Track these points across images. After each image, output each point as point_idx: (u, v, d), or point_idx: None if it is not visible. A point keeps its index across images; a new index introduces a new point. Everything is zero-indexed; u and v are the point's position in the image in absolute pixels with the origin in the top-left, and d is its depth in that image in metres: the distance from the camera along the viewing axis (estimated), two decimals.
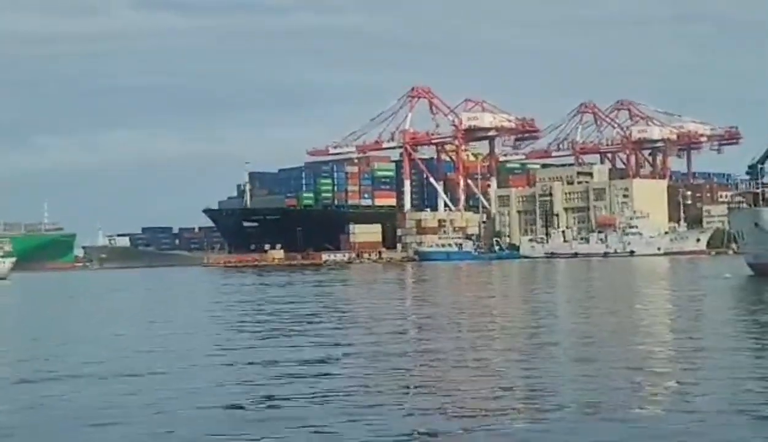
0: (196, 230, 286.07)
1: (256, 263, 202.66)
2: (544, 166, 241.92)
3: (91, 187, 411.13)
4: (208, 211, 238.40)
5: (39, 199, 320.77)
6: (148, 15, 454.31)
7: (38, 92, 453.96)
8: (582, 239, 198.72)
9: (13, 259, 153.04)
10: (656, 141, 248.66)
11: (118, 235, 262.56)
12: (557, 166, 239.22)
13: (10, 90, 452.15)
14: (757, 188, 74.66)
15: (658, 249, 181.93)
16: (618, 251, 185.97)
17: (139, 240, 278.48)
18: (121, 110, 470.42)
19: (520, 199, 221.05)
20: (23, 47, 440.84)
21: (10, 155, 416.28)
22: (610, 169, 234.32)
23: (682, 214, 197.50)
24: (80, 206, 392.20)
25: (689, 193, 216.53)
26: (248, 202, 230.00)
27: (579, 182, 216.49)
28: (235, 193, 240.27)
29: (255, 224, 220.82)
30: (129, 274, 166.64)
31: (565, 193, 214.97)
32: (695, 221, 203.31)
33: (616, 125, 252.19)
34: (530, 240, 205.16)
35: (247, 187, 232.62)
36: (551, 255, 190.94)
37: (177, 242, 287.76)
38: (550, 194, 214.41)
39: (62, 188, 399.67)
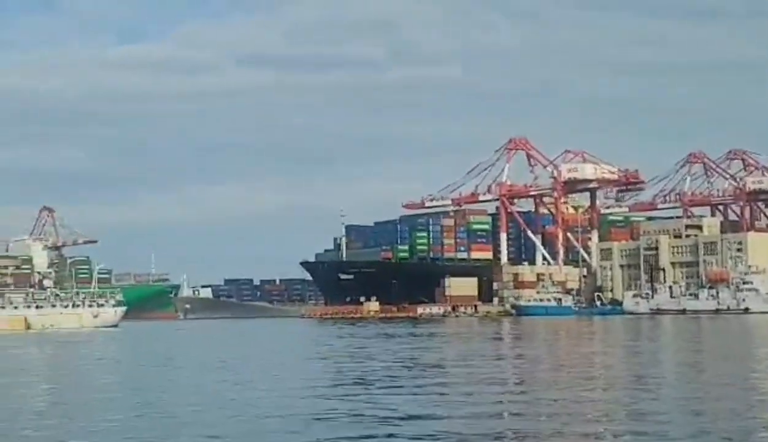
0: (277, 282, 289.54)
1: (351, 315, 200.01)
2: (649, 218, 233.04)
3: (189, 239, 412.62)
4: (305, 264, 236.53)
5: (146, 252, 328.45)
6: (252, 72, 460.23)
7: (145, 149, 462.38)
8: (691, 294, 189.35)
9: (124, 308, 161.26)
10: None
11: (202, 286, 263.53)
12: (664, 218, 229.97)
13: (118, 147, 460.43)
14: None
15: None
16: (731, 307, 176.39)
17: (221, 291, 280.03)
18: (223, 166, 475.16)
19: (624, 252, 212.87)
20: (131, 105, 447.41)
21: (120, 209, 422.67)
22: (721, 222, 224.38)
23: None
24: (179, 258, 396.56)
25: None
26: (344, 255, 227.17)
27: (687, 235, 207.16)
28: (331, 246, 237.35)
29: (351, 277, 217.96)
30: (223, 324, 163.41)
31: (672, 247, 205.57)
32: None
33: (728, 176, 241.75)
34: (634, 295, 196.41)
35: (344, 240, 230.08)
36: (657, 311, 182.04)
37: (258, 293, 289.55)
38: (656, 248, 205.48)
39: (164, 241, 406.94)
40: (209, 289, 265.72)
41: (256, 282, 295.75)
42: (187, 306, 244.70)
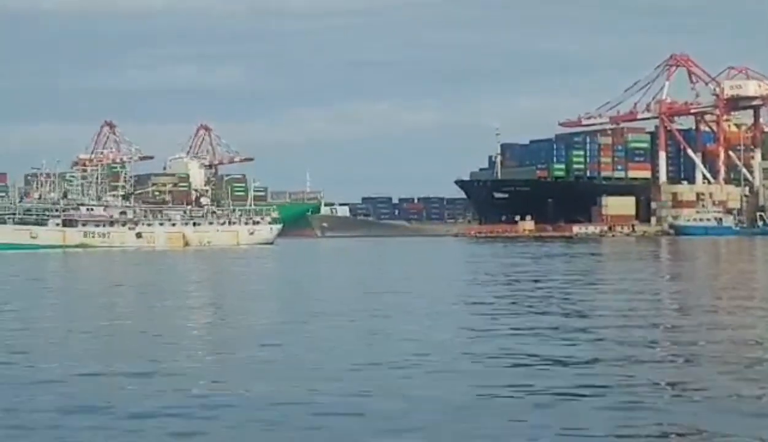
0: (415, 200, 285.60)
1: (506, 233, 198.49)
2: None
3: (341, 157, 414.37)
4: (459, 182, 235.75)
5: (301, 169, 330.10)
6: None
7: (299, 66, 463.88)
8: None
9: (280, 225, 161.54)
10: None
11: (339, 204, 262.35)
12: None
13: (273, 64, 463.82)
14: None
15: None
16: None
17: (358, 209, 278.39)
18: (376, 84, 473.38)
19: None
20: (287, 22, 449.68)
21: (275, 127, 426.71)
22: None
23: None
24: (330, 176, 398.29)
25: None
26: (499, 174, 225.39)
27: None
28: (485, 165, 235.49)
29: (505, 195, 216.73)
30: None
31: None
32: None
33: None
34: None
35: (498, 158, 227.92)
36: None
37: (396, 212, 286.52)
38: None
39: (318, 158, 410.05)
40: (346, 207, 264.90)
41: (395, 201, 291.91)
42: (324, 224, 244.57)
